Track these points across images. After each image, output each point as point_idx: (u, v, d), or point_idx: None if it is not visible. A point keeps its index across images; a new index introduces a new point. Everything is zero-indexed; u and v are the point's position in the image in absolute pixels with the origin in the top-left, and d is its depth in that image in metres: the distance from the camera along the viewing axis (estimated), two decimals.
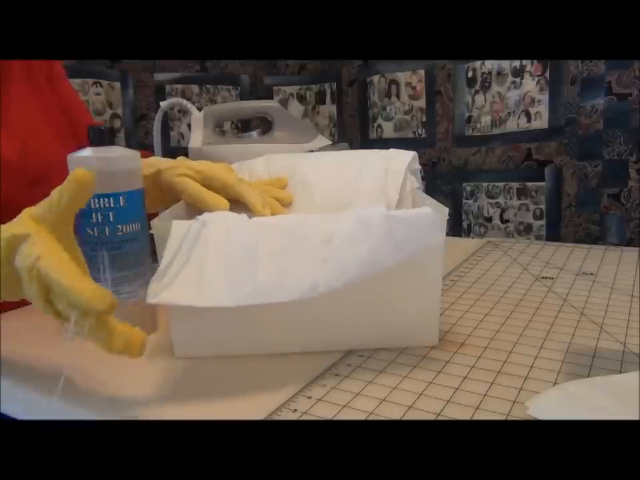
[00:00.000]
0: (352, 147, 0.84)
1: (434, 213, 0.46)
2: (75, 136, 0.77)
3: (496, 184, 1.15)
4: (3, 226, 0.42)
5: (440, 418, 0.40)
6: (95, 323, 0.38)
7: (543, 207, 1.10)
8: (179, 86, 1.34)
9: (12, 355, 0.53)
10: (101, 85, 1.26)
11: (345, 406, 0.42)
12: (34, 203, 0.43)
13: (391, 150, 0.69)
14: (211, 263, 0.45)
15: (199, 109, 0.93)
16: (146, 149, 0.93)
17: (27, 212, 0.43)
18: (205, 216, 0.49)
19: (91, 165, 0.52)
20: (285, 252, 0.45)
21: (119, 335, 0.38)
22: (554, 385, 0.44)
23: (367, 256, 0.44)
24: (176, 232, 0.47)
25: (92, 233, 0.52)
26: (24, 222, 0.42)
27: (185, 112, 1.25)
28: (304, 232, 0.46)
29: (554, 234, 1.09)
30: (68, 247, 0.42)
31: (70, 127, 0.78)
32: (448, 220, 0.49)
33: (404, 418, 0.40)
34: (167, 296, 0.44)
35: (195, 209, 0.61)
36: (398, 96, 1.26)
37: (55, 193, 0.42)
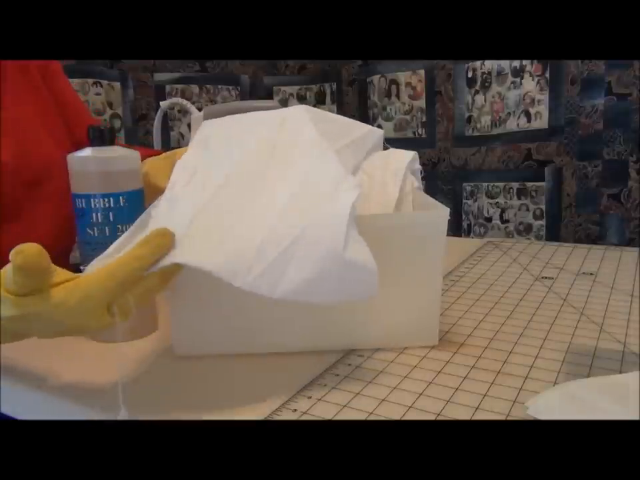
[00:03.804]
0: None
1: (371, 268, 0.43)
2: (71, 135, 0.77)
3: (496, 184, 1.15)
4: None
5: (440, 418, 0.40)
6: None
7: (542, 207, 1.10)
8: (179, 86, 1.34)
9: (12, 355, 0.53)
10: (101, 85, 1.26)
11: (345, 406, 0.42)
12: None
13: (391, 149, 0.69)
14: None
15: (199, 109, 0.93)
16: (146, 147, 0.93)
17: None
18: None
19: (91, 165, 0.52)
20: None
21: None
22: (554, 385, 0.44)
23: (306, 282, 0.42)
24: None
25: (92, 233, 0.52)
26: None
27: (185, 112, 1.25)
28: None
29: (554, 234, 1.09)
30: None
31: (66, 125, 0.77)
32: (448, 220, 0.49)
33: (404, 418, 0.40)
34: None
35: None
36: (398, 96, 1.26)
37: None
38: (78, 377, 0.49)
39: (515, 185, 1.12)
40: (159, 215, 0.47)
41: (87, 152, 0.53)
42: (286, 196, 0.47)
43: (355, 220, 0.44)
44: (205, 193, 0.48)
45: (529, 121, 1.08)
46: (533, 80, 1.07)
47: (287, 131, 0.53)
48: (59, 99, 0.78)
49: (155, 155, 0.70)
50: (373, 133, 0.63)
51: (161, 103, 0.94)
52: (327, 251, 0.42)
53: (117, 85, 1.29)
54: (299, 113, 0.56)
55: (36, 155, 0.68)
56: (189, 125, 1.15)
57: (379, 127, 1.29)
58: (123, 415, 0.39)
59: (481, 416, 0.40)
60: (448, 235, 0.50)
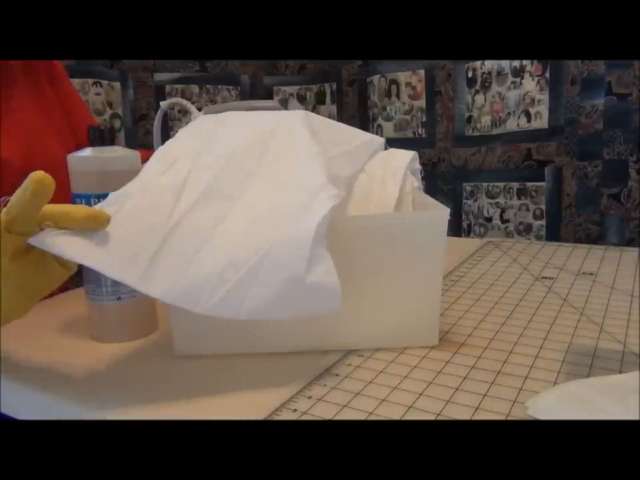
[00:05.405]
0: None
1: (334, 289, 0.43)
2: (75, 136, 0.77)
3: (496, 184, 1.15)
4: None
5: (440, 418, 0.40)
6: None
7: (542, 207, 1.10)
8: (179, 86, 1.34)
9: (12, 355, 0.53)
10: (101, 85, 1.26)
11: (345, 406, 0.42)
12: None
13: (391, 149, 0.69)
14: (116, 225, 0.44)
15: (199, 109, 0.93)
16: (146, 149, 0.93)
17: None
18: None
19: (91, 165, 0.52)
20: (195, 251, 0.43)
21: None
22: (554, 385, 0.44)
23: (263, 302, 0.42)
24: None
25: None
26: None
27: (185, 112, 1.25)
28: (222, 242, 0.44)
29: (554, 234, 1.09)
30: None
31: (70, 127, 0.78)
32: (448, 220, 0.49)
33: (404, 418, 0.40)
34: (50, 240, 0.41)
35: None
36: (398, 96, 1.26)
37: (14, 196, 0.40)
38: (78, 377, 0.49)
39: (515, 185, 1.12)
40: (132, 208, 0.46)
41: (87, 152, 0.53)
42: (262, 208, 0.47)
43: (327, 230, 0.44)
44: (182, 201, 0.47)
45: (528, 121, 1.08)
46: (533, 80, 1.07)
47: (279, 134, 0.53)
48: (63, 101, 0.78)
49: None
50: (373, 142, 0.63)
51: (161, 103, 0.94)
52: (289, 275, 0.42)
53: (117, 85, 1.29)
54: (296, 118, 0.55)
55: (41, 156, 0.68)
56: None
57: (379, 126, 1.30)
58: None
59: (480, 416, 0.40)
60: (448, 234, 0.50)
